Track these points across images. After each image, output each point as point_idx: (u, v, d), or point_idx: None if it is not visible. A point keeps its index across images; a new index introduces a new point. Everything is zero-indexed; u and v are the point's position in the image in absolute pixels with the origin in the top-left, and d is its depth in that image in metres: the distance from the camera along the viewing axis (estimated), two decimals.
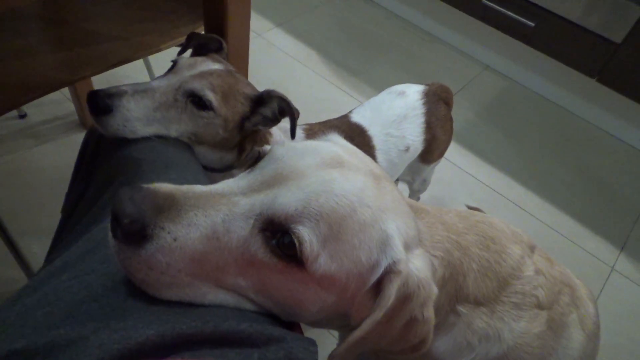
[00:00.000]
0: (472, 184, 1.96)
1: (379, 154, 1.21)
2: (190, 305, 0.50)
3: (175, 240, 0.47)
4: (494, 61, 2.50)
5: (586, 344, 0.78)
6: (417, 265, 0.53)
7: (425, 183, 1.56)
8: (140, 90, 0.79)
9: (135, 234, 0.46)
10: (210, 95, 0.82)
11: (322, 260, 0.48)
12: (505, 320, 0.66)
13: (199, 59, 0.88)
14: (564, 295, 0.75)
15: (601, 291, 1.68)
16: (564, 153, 2.16)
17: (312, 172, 0.51)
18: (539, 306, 0.70)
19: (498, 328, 0.66)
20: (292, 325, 0.57)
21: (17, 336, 0.46)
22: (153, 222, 0.46)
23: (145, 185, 0.48)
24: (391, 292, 0.50)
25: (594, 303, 0.83)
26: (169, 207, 0.47)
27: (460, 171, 1.99)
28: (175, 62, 0.88)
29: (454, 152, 2.04)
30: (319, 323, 0.58)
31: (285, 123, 0.93)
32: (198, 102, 0.82)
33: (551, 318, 0.71)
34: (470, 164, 2.02)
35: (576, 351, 0.76)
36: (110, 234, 0.47)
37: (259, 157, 0.57)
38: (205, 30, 1.10)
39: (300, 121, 0.94)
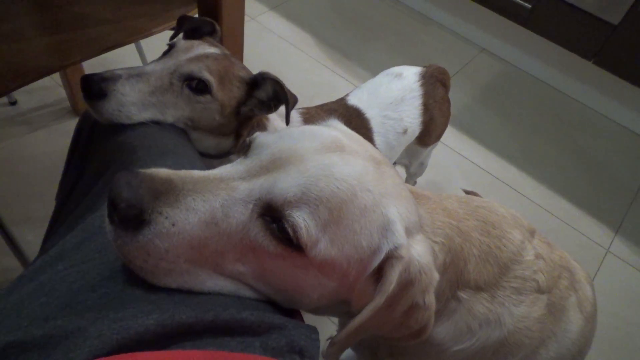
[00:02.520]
0: (468, 168, 1.95)
1: (376, 137, 1.20)
2: (190, 294, 0.49)
3: (173, 225, 0.46)
4: (490, 44, 2.48)
5: (584, 326, 0.79)
6: (419, 251, 0.53)
7: (422, 166, 1.56)
8: (135, 74, 0.78)
9: (133, 219, 0.45)
10: (208, 77, 0.81)
11: (322, 245, 0.47)
12: (506, 305, 0.67)
13: (195, 42, 0.86)
14: (564, 279, 0.75)
15: (596, 273, 1.70)
16: (560, 136, 2.16)
17: (311, 156, 0.50)
18: (539, 290, 0.70)
19: (499, 313, 0.66)
20: (292, 313, 0.57)
21: (13, 327, 0.46)
22: (150, 206, 0.45)
23: (142, 170, 0.47)
24: (393, 277, 0.50)
25: (592, 285, 0.84)
26: (166, 191, 0.46)
27: (456, 154, 1.99)
28: (171, 46, 0.86)
29: (450, 136, 2.03)
30: (320, 310, 0.58)
31: (284, 108, 0.92)
32: (194, 86, 0.81)
33: (551, 302, 0.72)
34: (466, 147, 2.02)
35: (575, 333, 0.77)
36: (107, 219, 0.46)
37: (249, 145, 0.56)
38: (199, 13, 1.08)
39: (295, 105, 0.92)
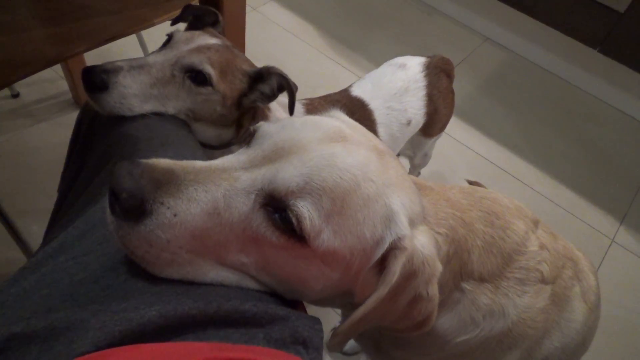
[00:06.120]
0: (472, 158, 1.95)
1: (380, 128, 1.19)
2: (192, 285, 0.49)
3: (175, 215, 0.46)
4: (495, 33, 2.46)
5: (588, 316, 0.78)
6: (422, 242, 0.52)
7: (426, 157, 1.55)
8: (137, 65, 0.77)
9: (134, 209, 0.45)
10: (209, 70, 0.80)
11: (325, 235, 0.47)
12: (510, 296, 0.66)
13: (195, 33, 0.86)
14: (567, 269, 0.75)
15: (601, 263, 1.69)
16: (565, 125, 2.15)
17: (314, 147, 0.50)
18: (543, 281, 0.69)
19: (502, 304, 0.66)
20: (295, 304, 0.57)
21: (16, 319, 0.46)
22: (152, 197, 0.45)
23: (144, 160, 0.47)
24: (396, 268, 0.50)
25: (595, 275, 0.84)
26: (168, 182, 0.46)
27: (459, 145, 1.98)
28: (170, 36, 0.85)
29: (454, 126, 2.02)
30: (323, 301, 0.58)
31: (284, 98, 0.91)
32: (195, 77, 0.80)
33: (555, 292, 0.71)
34: (470, 138, 2.01)
35: (578, 323, 0.77)
36: (108, 210, 0.46)
37: (252, 134, 0.55)
38: (201, 3, 1.07)
39: (297, 96, 0.92)
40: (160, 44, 0.86)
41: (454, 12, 2.53)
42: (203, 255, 0.49)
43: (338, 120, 0.56)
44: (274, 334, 0.47)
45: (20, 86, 1.77)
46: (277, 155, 0.50)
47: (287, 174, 0.47)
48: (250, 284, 0.52)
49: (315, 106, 1.12)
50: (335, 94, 1.22)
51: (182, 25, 0.96)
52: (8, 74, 0.88)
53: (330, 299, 0.56)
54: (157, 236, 0.46)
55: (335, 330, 0.55)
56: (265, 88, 0.88)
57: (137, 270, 0.48)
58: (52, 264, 0.51)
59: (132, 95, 0.76)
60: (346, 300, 0.56)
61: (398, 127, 1.22)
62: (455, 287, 0.63)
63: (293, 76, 0.89)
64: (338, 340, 0.56)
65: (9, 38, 0.93)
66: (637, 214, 1.87)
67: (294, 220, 0.46)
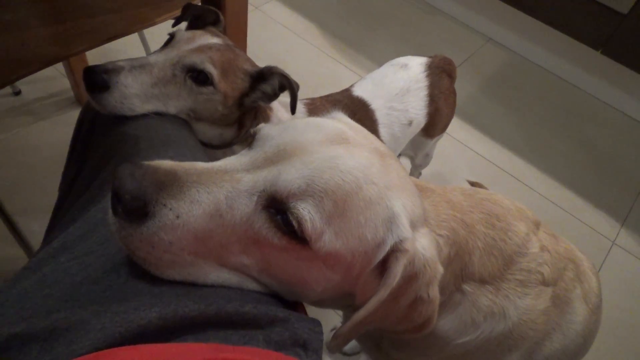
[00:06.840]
0: (473, 159, 1.94)
1: (381, 128, 1.19)
2: (193, 286, 0.49)
3: (177, 217, 0.46)
4: (497, 33, 2.45)
5: (589, 318, 0.78)
6: (423, 244, 0.52)
7: (427, 158, 1.55)
8: (138, 65, 0.77)
9: (137, 210, 0.45)
10: (210, 69, 0.80)
11: (326, 237, 0.47)
12: (511, 298, 0.66)
13: (197, 32, 0.86)
14: (569, 271, 0.75)
15: (602, 265, 1.69)
16: (567, 126, 2.14)
17: (316, 148, 0.50)
18: (544, 283, 0.69)
19: (503, 306, 0.66)
20: (295, 305, 0.57)
21: (16, 319, 0.46)
22: (155, 198, 0.45)
23: (146, 162, 0.47)
24: (397, 270, 0.50)
25: (597, 277, 0.84)
26: (170, 183, 0.46)
27: (461, 145, 1.98)
28: (172, 36, 0.85)
29: (455, 127, 2.02)
30: (324, 303, 0.58)
31: (286, 97, 0.91)
32: (197, 77, 0.80)
33: (556, 294, 0.71)
34: (471, 138, 2.01)
35: (580, 325, 0.77)
36: (110, 211, 0.46)
37: (254, 136, 0.55)
38: (203, 2, 1.06)
39: (299, 96, 0.92)
40: (162, 43, 0.86)
41: (457, 12, 2.53)
42: (205, 257, 0.49)
43: (340, 122, 0.56)
44: (274, 335, 0.47)
45: (21, 84, 1.77)
46: (279, 157, 0.50)
47: (289, 176, 0.47)
48: (251, 285, 0.52)
49: (317, 106, 1.12)
50: (336, 93, 1.22)
51: (183, 25, 0.96)
52: (9, 72, 0.88)
53: (331, 300, 0.56)
54: (160, 238, 0.46)
55: (335, 332, 0.55)
56: (266, 88, 0.88)
57: (138, 271, 0.48)
58: (53, 264, 0.51)
59: (133, 95, 0.76)
60: (347, 302, 0.56)
61: (399, 128, 1.22)
62: (456, 289, 0.64)
63: (294, 75, 0.88)
64: (338, 342, 0.56)
65: (10, 37, 0.93)
66: (638, 216, 1.86)
67: (294, 222, 0.46)
